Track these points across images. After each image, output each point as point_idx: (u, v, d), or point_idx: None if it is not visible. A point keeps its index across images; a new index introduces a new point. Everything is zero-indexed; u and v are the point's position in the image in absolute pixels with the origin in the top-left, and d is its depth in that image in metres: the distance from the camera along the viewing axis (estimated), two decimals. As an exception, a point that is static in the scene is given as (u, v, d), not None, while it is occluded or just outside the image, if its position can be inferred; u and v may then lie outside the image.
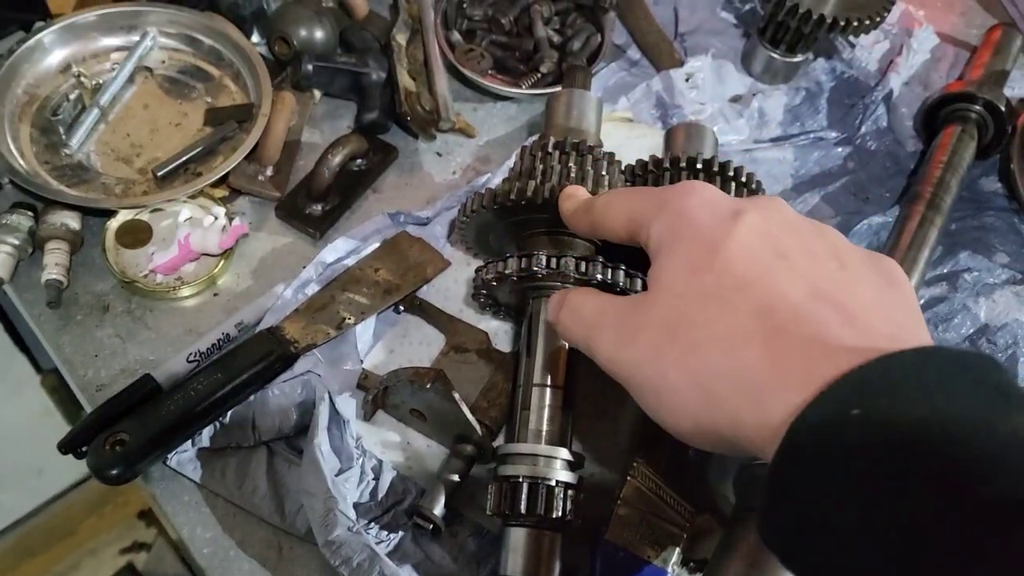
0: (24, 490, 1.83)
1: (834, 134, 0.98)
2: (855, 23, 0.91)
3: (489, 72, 0.97)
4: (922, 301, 0.85)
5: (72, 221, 0.80)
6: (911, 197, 0.87)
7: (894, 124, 1.00)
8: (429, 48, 0.96)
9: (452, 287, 0.82)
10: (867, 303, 0.41)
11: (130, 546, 1.94)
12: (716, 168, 0.76)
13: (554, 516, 0.63)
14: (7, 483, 1.77)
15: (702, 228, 0.45)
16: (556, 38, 0.99)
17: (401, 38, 0.95)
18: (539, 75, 0.96)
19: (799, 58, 1.00)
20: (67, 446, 0.69)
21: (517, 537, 0.64)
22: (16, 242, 0.78)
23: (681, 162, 0.77)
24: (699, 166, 0.76)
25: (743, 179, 0.77)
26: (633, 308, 0.47)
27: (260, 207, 0.86)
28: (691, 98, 0.97)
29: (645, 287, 0.71)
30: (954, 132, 0.92)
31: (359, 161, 0.87)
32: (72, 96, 0.87)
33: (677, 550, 0.67)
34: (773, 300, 0.40)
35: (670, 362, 0.42)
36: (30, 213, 0.80)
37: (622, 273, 0.70)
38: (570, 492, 0.64)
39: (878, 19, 0.92)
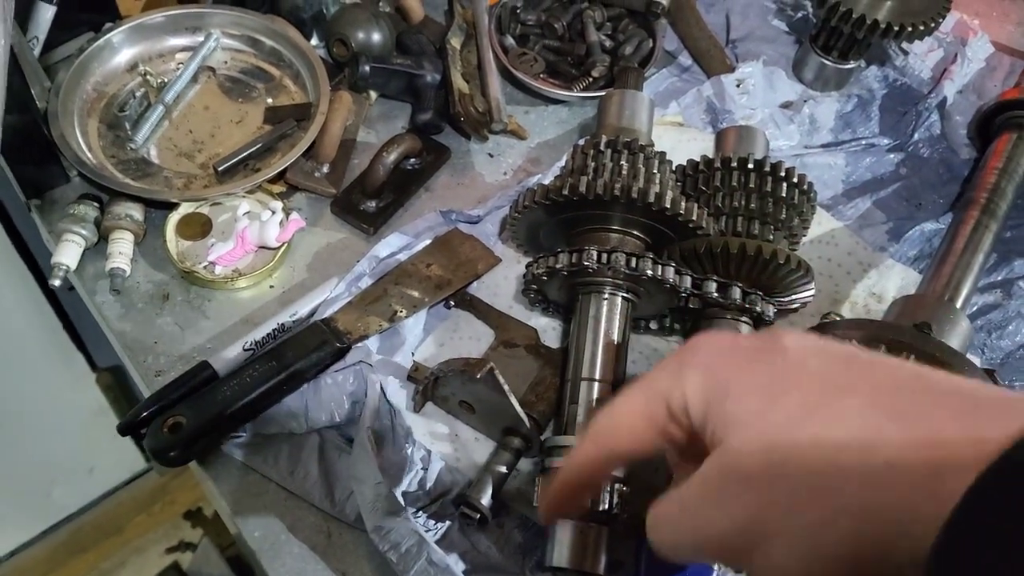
0: (76, 487, 1.87)
1: (886, 141, 0.98)
2: (909, 28, 0.91)
3: (541, 76, 0.98)
4: (975, 308, 0.85)
5: (136, 212, 0.82)
6: (965, 202, 0.86)
7: (948, 132, 0.99)
8: (483, 52, 0.97)
9: (502, 284, 0.83)
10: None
11: (176, 545, 1.97)
12: (767, 168, 0.77)
13: (600, 509, 0.63)
14: (60, 479, 1.81)
15: (752, 352, 0.37)
16: (608, 43, 1.00)
17: (456, 42, 0.97)
18: (591, 79, 0.97)
19: (851, 65, 0.99)
20: (126, 428, 0.71)
21: (564, 530, 0.65)
22: (83, 232, 0.80)
23: (732, 162, 0.77)
24: (751, 166, 0.77)
25: (794, 179, 0.77)
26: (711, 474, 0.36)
27: (316, 203, 0.88)
28: (742, 104, 0.97)
29: (695, 284, 0.72)
30: (1010, 139, 0.91)
31: (413, 160, 0.89)
32: (138, 94, 0.90)
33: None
34: (890, 377, 0.33)
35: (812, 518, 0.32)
36: (96, 204, 0.82)
37: (672, 269, 0.71)
38: (617, 486, 0.64)
39: (932, 25, 0.92)
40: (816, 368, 0.35)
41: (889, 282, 0.86)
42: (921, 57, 1.04)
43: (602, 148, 0.76)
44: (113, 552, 1.96)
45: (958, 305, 0.75)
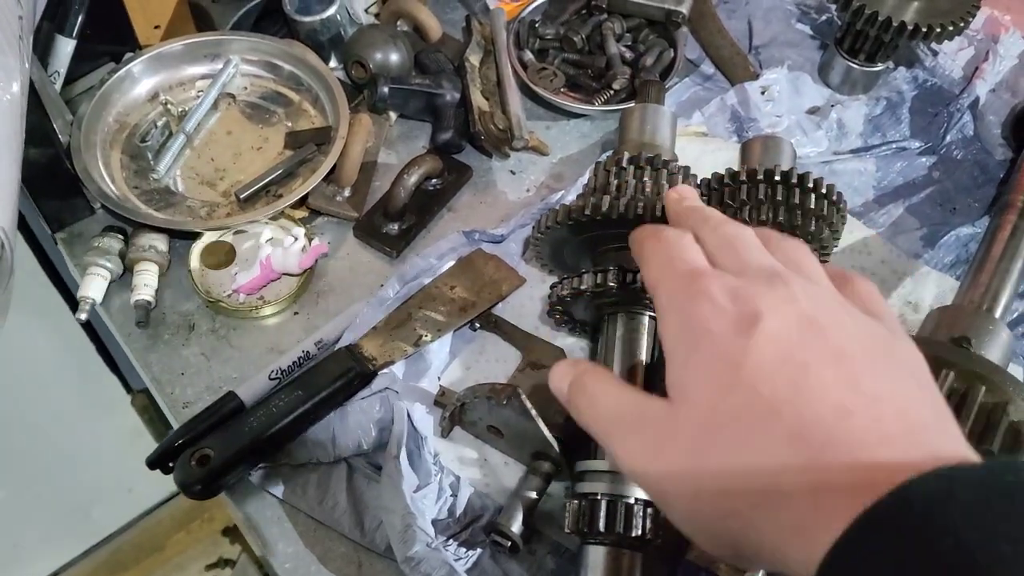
0: (115, 507, 1.89)
1: (917, 144, 0.95)
2: (938, 30, 0.88)
3: (561, 90, 0.97)
4: (1015, 315, 0.82)
5: (160, 243, 0.82)
6: (1002, 207, 0.83)
7: (981, 132, 0.97)
8: (502, 68, 0.96)
9: (527, 304, 0.82)
10: (900, 406, 0.38)
11: (215, 562, 1.99)
12: (794, 180, 0.75)
13: (633, 535, 0.62)
14: (99, 499, 1.83)
15: (717, 338, 0.41)
16: (628, 54, 0.99)
17: (474, 59, 0.97)
18: (612, 92, 0.96)
19: (879, 67, 0.97)
20: (155, 462, 0.71)
21: (596, 556, 0.64)
22: (108, 264, 0.81)
23: (758, 175, 0.76)
24: (777, 178, 0.75)
25: (823, 190, 0.75)
26: (658, 417, 0.42)
27: (338, 227, 0.88)
28: (767, 111, 0.95)
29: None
30: (1046, 138, 0.89)
31: (434, 181, 0.88)
32: (160, 123, 0.90)
33: (761, 571, 0.65)
34: (804, 425, 0.37)
35: (704, 486, 0.39)
36: (120, 236, 0.83)
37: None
38: (649, 510, 0.63)
39: (961, 25, 0.90)
40: (765, 395, 0.38)
41: (925, 290, 0.84)
42: (951, 56, 1.02)
43: (624, 165, 0.75)
44: (154, 570, 1.98)
45: (997, 315, 0.73)
